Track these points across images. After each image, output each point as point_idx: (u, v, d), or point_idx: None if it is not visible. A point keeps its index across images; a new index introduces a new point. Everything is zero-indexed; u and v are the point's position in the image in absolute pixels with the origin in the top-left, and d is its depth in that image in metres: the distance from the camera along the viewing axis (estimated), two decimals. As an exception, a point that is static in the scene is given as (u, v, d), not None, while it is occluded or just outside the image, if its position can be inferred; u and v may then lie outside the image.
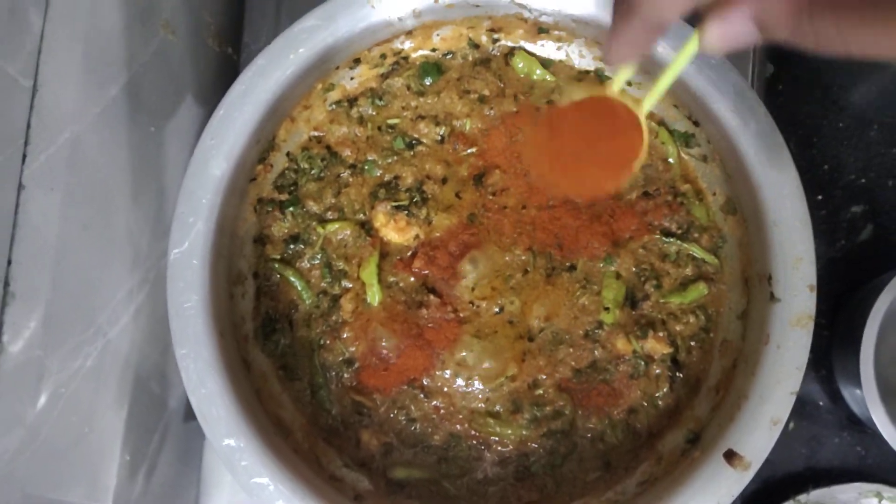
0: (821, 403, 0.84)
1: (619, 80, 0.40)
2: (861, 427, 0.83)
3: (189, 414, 0.73)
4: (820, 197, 0.85)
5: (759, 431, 0.50)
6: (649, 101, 0.40)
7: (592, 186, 0.45)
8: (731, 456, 0.50)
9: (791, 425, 0.84)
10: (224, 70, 0.73)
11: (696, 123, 0.60)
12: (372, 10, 0.57)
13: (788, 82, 0.86)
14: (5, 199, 0.46)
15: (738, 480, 0.50)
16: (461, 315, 0.60)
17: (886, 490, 0.78)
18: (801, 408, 0.84)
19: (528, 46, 0.62)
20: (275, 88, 0.54)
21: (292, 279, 0.61)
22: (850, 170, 0.85)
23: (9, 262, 0.46)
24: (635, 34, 0.30)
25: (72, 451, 0.55)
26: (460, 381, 0.59)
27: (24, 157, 0.47)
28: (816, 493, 0.80)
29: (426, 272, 0.60)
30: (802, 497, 0.80)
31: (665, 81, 0.37)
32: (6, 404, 0.46)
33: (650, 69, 0.59)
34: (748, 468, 0.50)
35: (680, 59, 0.35)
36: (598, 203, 0.61)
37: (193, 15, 0.68)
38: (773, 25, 0.28)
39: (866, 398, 0.73)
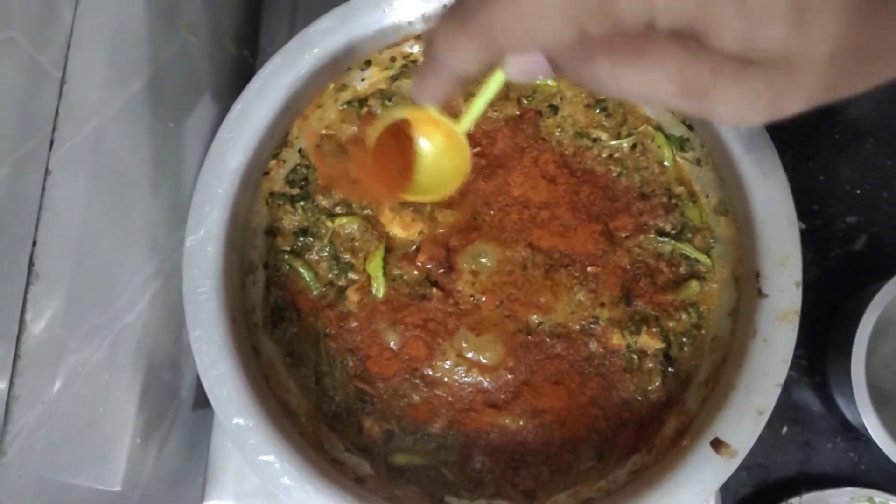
0: (814, 409, 0.85)
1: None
2: (854, 433, 0.84)
3: (198, 403, 0.75)
4: (815, 207, 0.87)
5: (745, 421, 0.52)
6: (466, 122, 0.42)
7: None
8: (717, 444, 0.52)
9: (784, 430, 0.85)
10: (240, 71, 0.76)
11: (690, 128, 0.62)
12: (384, 13, 0.60)
13: (786, 95, 0.88)
14: (33, 183, 0.48)
15: (724, 468, 0.52)
16: (462, 308, 0.62)
17: (878, 495, 0.79)
18: (795, 413, 0.85)
19: (532, 52, 0.65)
20: (290, 86, 0.57)
21: (301, 270, 0.63)
22: (846, 181, 0.87)
23: (34, 244, 0.49)
24: (437, 82, 0.33)
25: (87, 432, 0.56)
26: (460, 372, 0.61)
27: (52, 143, 0.50)
28: (808, 497, 0.80)
29: (429, 266, 0.63)
30: (795, 500, 0.80)
31: (478, 106, 0.40)
32: (28, 380, 0.48)
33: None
34: (734, 456, 0.52)
35: (489, 86, 0.37)
36: (596, 203, 0.63)
37: (213, 18, 0.71)
38: (561, 65, 0.31)
39: (858, 404, 0.73)
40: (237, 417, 0.53)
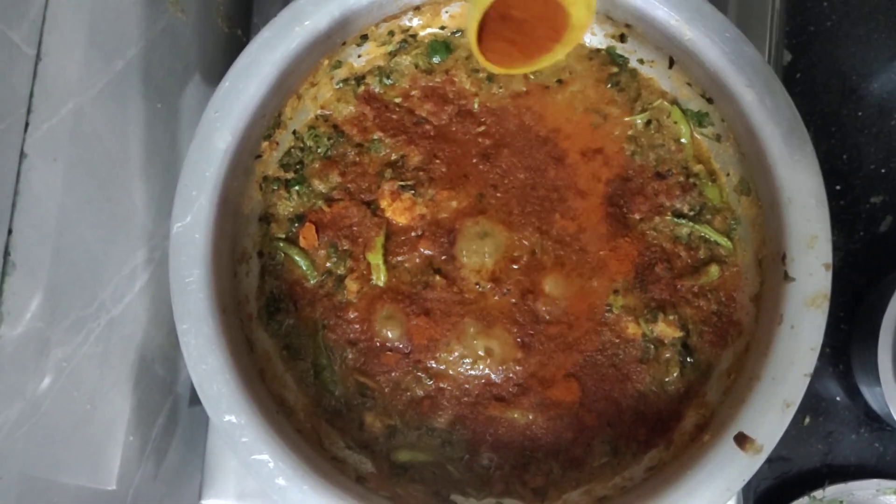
0: (838, 399, 0.83)
1: None
2: (880, 423, 0.81)
3: (195, 399, 0.73)
4: (839, 187, 0.83)
5: (771, 414, 0.49)
6: None
7: (539, 49, 0.46)
8: (742, 439, 0.49)
9: (807, 420, 0.82)
10: (233, 51, 0.72)
11: (709, 101, 0.58)
12: (379, -16, 0.56)
13: (806, 71, 0.85)
14: (7, 168, 0.45)
15: (749, 464, 0.48)
16: (467, 296, 0.59)
17: (905, 487, 0.77)
18: (818, 403, 0.83)
19: (539, 24, 0.61)
20: (280, 62, 0.54)
21: (297, 259, 0.60)
22: (870, 160, 0.84)
23: (9, 232, 0.46)
24: None
25: (74, 429, 0.54)
26: (466, 364, 0.58)
27: (27, 125, 0.47)
28: (833, 490, 0.78)
29: (432, 253, 0.59)
30: (818, 493, 0.78)
31: None
32: (6, 376, 0.45)
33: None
34: (760, 451, 0.48)
35: None
36: (609, 184, 0.60)
37: (203, -5, 0.68)
38: None
39: (885, 393, 0.71)
40: (228, 414, 0.50)
